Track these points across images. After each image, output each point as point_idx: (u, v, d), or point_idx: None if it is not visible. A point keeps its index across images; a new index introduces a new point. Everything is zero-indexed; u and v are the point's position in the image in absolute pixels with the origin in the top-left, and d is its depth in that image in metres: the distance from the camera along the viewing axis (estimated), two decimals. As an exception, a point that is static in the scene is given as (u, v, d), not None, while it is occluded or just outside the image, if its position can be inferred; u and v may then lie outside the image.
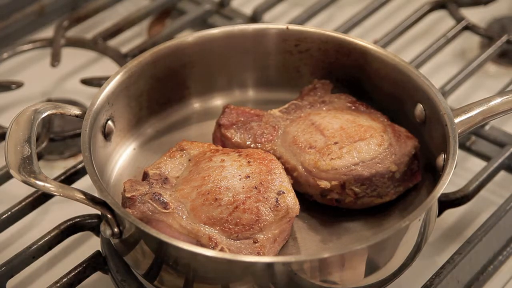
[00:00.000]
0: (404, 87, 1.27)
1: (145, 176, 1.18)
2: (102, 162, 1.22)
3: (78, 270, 1.18)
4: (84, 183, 1.28)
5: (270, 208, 1.13)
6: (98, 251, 1.21)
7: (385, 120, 1.26)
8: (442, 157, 1.17)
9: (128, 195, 1.13)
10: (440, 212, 1.28)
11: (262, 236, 1.12)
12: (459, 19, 1.59)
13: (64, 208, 1.31)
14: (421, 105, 1.24)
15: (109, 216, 1.09)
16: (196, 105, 1.36)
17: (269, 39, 1.34)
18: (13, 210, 1.25)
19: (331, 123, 1.24)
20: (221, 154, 1.19)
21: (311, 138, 1.22)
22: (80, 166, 1.31)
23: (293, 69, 1.36)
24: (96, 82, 1.48)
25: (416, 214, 1.07)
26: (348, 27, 1.58)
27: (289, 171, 1.21)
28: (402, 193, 1.22)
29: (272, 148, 1.24)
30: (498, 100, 1.20)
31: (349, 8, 1.69)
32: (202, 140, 1.25)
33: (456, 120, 1.17)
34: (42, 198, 1.27)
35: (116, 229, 1.09)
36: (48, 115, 1.16)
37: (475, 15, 1.66)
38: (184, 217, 1.12)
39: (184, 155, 1.21)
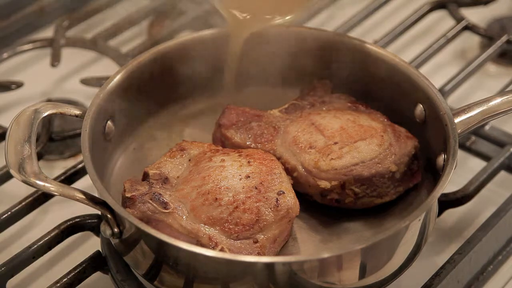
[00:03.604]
0: (404, 87, 1.27)
1: (145, 176, 1.18)
2: (102, 162, 1.22)
3: (78, 270, 1.18)
4: (84, 183, 1.28)
5: (270, 208, 1.12)
6: (98, 251, 1.21)
7: (385, 120, 1.26)
8: (442, 157, 1.17)
9: (128, 195, 1.13)
10: (440, 212, 1.28)
11: (262, 236, 1.12)
12: (459, 19, 1.59)
13: (64, 208, 1.32)
14: (421, 105, 1.24)
15: (109, 216, 1.09)
16: (196, 105, 1.36)
17: (269, 39, 1.34)
18: (13, 210, 1.25)
19: (331, 123, 1.24)
20: (221, 154, 1.19)
21: (311, 138, 1.22)
22: (80, 166, 1.31)
23: (293, 69, 1.36)
24: (96, 82, 1.48)
25: (416, 214, 1.07)
26: (348, 27, 1.58)
27: (289, 171, 1.21)
28: (402, 193, 1.22)
29: (272, 148, 1.24)
30: (498, 100, 1.20)
31: (349, 8, 1.69)
32: (202, 140, 1.25)
33: (456, 120, 1.17)
34: (42, 198, 1.27)
35: (116, 229, 1.09)
36: (48, 115, 1.16)
37: (475, 15, 1.66)
38: (184, 217, 1.12)
39: (184, 155, 1.21)
